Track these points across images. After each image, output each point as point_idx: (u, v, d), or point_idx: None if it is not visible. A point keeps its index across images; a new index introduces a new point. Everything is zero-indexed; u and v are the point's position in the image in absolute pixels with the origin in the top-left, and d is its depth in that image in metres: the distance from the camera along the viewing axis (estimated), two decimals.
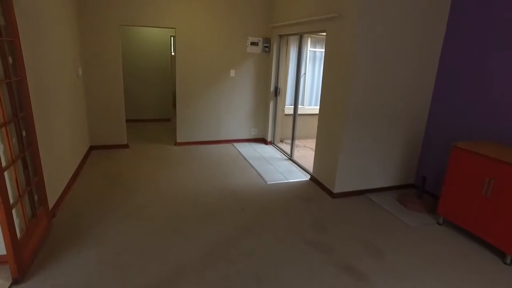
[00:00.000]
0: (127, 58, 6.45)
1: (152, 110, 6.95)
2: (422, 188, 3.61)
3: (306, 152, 5.43)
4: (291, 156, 5.02)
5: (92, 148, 4.88)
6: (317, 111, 6.32)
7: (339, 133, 3.58)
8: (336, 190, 3.74)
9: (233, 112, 5.51)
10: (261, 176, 4.23)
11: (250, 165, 4.63)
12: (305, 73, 5.97)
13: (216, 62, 5.16)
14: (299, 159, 4.95)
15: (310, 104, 6.28)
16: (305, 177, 4.31)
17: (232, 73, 5.29)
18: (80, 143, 4.25)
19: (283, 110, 5.68)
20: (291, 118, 5.82)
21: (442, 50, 3.64)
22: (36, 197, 2.52)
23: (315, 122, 6.39)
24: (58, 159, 3.24)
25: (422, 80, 3.69)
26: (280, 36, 5.18)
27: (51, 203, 2.89)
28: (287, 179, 4.21)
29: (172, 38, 6.62)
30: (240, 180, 4.08)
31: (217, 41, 5.06)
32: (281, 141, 5.88)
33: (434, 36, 3.56)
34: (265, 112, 5.69)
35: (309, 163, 4.75)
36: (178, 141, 5.33)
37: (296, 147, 5.27)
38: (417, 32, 3.47)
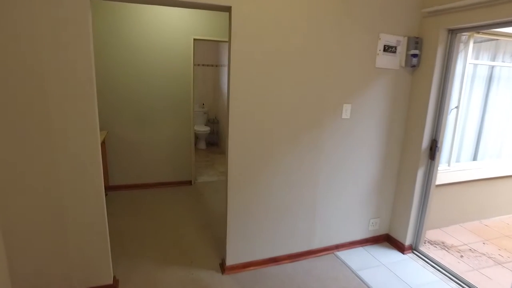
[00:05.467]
0: (108, 78, 3.61)
1: (161, 168, 4.04)
2: None
3: (493, 273, 2.55)
4: None
5: None
6: (481, 173, 3.30)
7: None
8: None
9: (339, 190, 2.64)
10: None
11: None
12: (457, 106, 3.17)
13: (313, 89, 2.33)
14: None
15: (458, 160, 3.45)
16: None
17: (346, 111, 2.46)
18: None
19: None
20: (444, 192, 3.00)
21: None
22: None
23: (483, 193, 3.09)
24: None
25: None
26: (452, 31, 2.39)
27: None
28: None
29: (194, 43, 3.80)
30: None
31: (316, 42, 2.25)
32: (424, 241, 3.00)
33: None
34: (397, 186, 2.84)
35: None
36: (229, 262, 2.41)
37: (437, 247, 2.46)
38: None
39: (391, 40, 2.45)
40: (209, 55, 6.15)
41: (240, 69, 2.10)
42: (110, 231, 2.77)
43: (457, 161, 3.49)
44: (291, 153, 2.37)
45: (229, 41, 2.06)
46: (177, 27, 3.68)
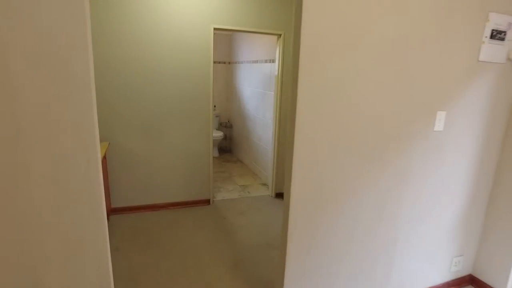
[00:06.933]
0: (110, 78, 2.95)
1: (174, 185, 3.37)
2: None
3: None
4: None
5: None
6: None
7: None
8: None
9: (423, 224, 1.99)
10: None
11: None
12: None
13: (401, 91, 1.66)
14: None
15: None
16: None
17: (440, 121, 1.80)
18: None
19: None
20: None
21: None
22: None
23: None
24: None
25: None
26: None
27: None
28: None
29: (214, 33, 3.13)
30: None
31: (406, 26, 1.58)
32: None
33: None
34: (487, 215, 2.19)
35: None
36: None
37: None
38: None
39: (501, 22, 1.79)
40: (220, 50, 5.48)
41: (312, 65, 1.43)
42: (114, 277, 2.10)
43: None
44: (368, 178, 1.71)
45: (297, 26, 1.39)
46: (194, 14, 3.00)
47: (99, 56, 2.83)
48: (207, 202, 3.51)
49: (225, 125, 5.78)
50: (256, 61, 4.43)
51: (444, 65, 1.73)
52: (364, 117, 1.60)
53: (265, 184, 4.20)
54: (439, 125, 1.80)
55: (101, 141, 2.99)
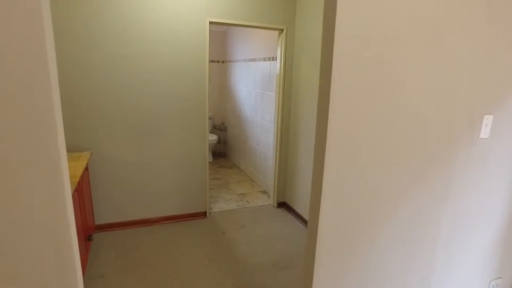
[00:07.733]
0: (93, 77, 2.60)
1: (166, 197, 3.03)
2: None
3: None
4: None
5: None
6: None
7: None
8: None
9: (462, 246, 1.72)
10: None
11: None
12: None
13: (447, 91, 1.37)
14: None
15: None
16: None
17: (487, 126, 1.52)
18: None
19: None
20: None
21: None
22: None
23: None
24: None
25: None
26: None
27: None
28: None
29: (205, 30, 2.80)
30: None
31: (455, 12, 1.29)
32: None
33: None
34: None
35: None
36: None
37: None
38: None
39: None
40: (214, 48, 5.13)
41: (346, 72, 1.13)
42: None
43: None
44: (404, 196, 1.42)
45: (328, 13, 1.09)
46: (187, 5, 2.67)
47: (83, 53, 2.47)
48: (203, 214, 3.17)
49: (219, 128, 5.45)
50: (253, 59, 4.11)
51: (496, 60, 1.45)
52: (403, 123, 1.31)
53: (265, 192, 3.89)
54: (485, 132, 1.52)
55: (82, 150, 2.63)
